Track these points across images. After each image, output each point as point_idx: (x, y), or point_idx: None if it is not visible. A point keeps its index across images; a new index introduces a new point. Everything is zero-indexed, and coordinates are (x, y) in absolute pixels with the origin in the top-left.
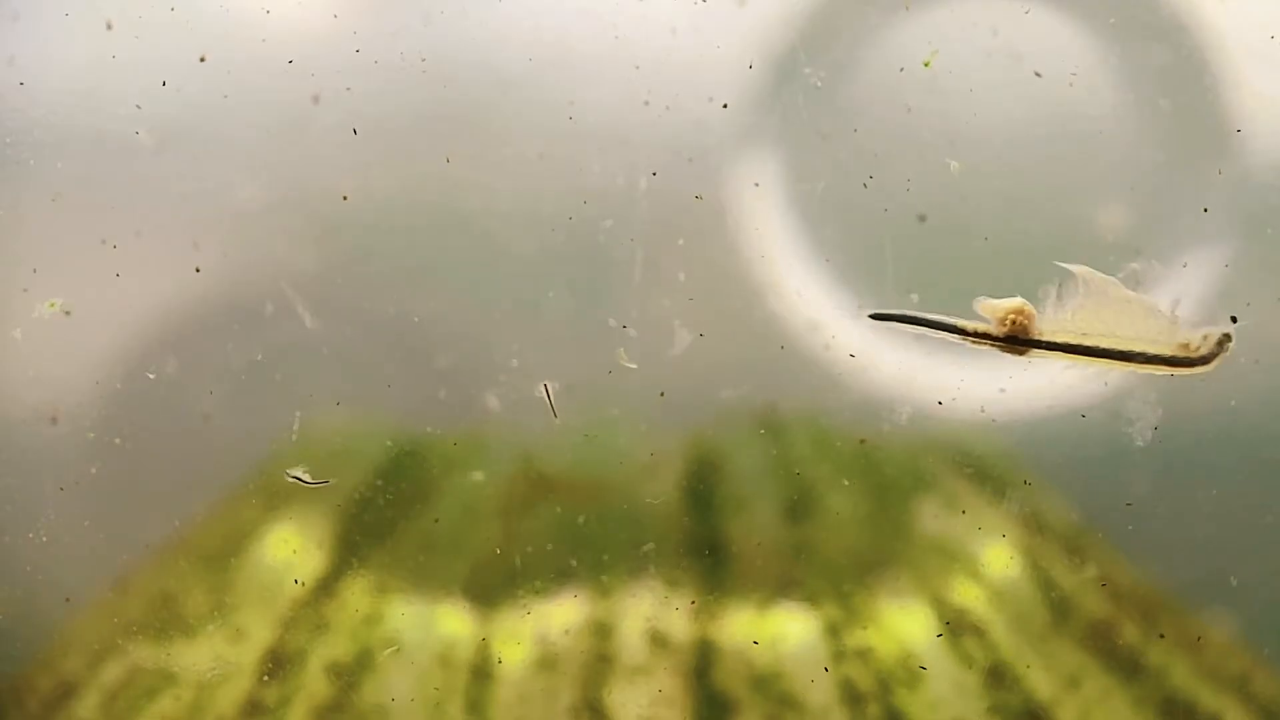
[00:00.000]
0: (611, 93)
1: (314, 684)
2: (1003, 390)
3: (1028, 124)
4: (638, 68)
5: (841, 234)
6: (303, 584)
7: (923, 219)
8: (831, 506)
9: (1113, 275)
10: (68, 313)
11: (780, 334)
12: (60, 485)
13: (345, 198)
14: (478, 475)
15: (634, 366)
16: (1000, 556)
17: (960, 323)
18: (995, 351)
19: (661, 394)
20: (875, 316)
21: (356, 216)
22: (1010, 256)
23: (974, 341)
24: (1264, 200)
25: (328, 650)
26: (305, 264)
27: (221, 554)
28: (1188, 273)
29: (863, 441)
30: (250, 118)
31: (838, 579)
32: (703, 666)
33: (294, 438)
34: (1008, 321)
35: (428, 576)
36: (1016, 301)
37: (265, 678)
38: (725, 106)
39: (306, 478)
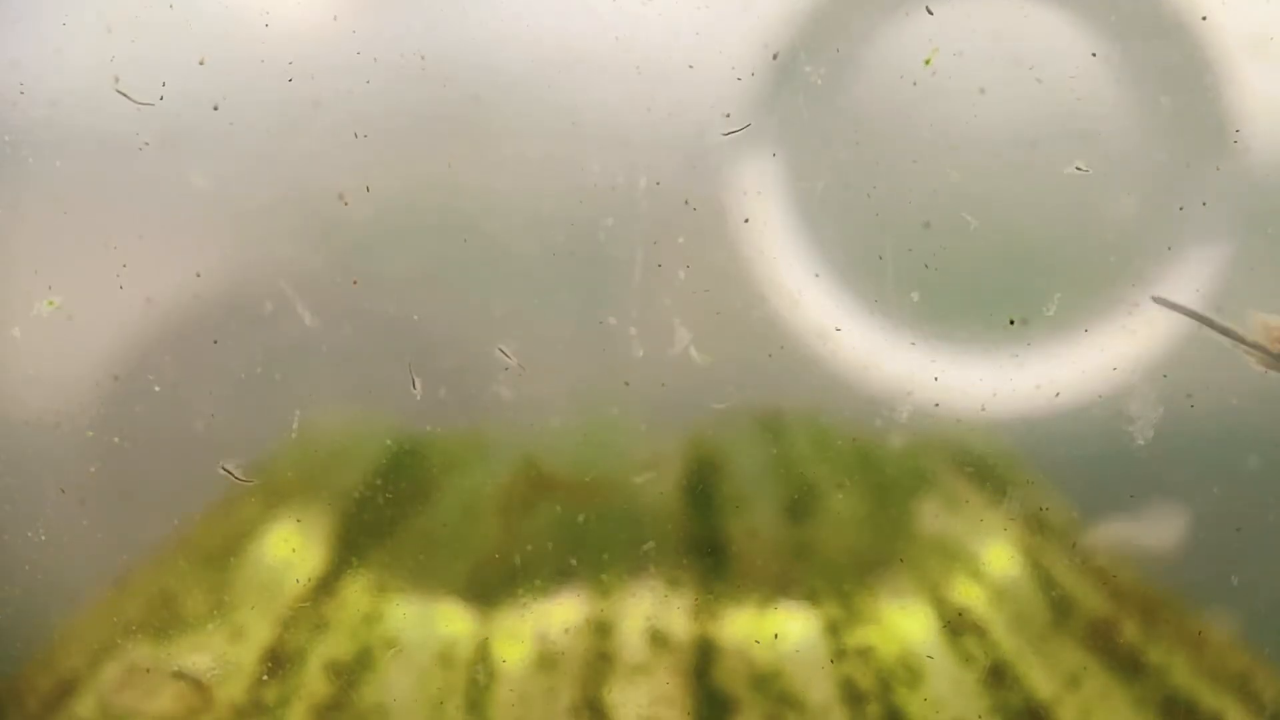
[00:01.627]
0: (612, 93)
1: (314, 683)
2: (1004, 390)
3: (1028, 123)
4: (639, 69)
5: (842, 233)
6: (302, 583)
7: (923, 218)
8: (831, 506)
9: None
10: (68, 314)
11: (780, 333)
12: (60, 485)
13: (344, 199)
14: (502, 475)
15: (640, 354)
16: (1001, 555)
17: (1240, 331)
18: (1254, 360)
19: (663, 384)
20: (1159, 300)
21: (356, 217)
22: (1011, 255)
23: (1246, 350)
24: (1264, 199)
25: (327, 649)
26: (305, 264)
27: (221, 553)
28: (1188, 271)
29: (855, 440)
30: (250, 118)
31: (838, 578)
32: (703, 665)
33: (294, 437)
34: None
35: (428, 576)
36: None
37: (265, 677)
38: (727, 116)
39: (238, 473)
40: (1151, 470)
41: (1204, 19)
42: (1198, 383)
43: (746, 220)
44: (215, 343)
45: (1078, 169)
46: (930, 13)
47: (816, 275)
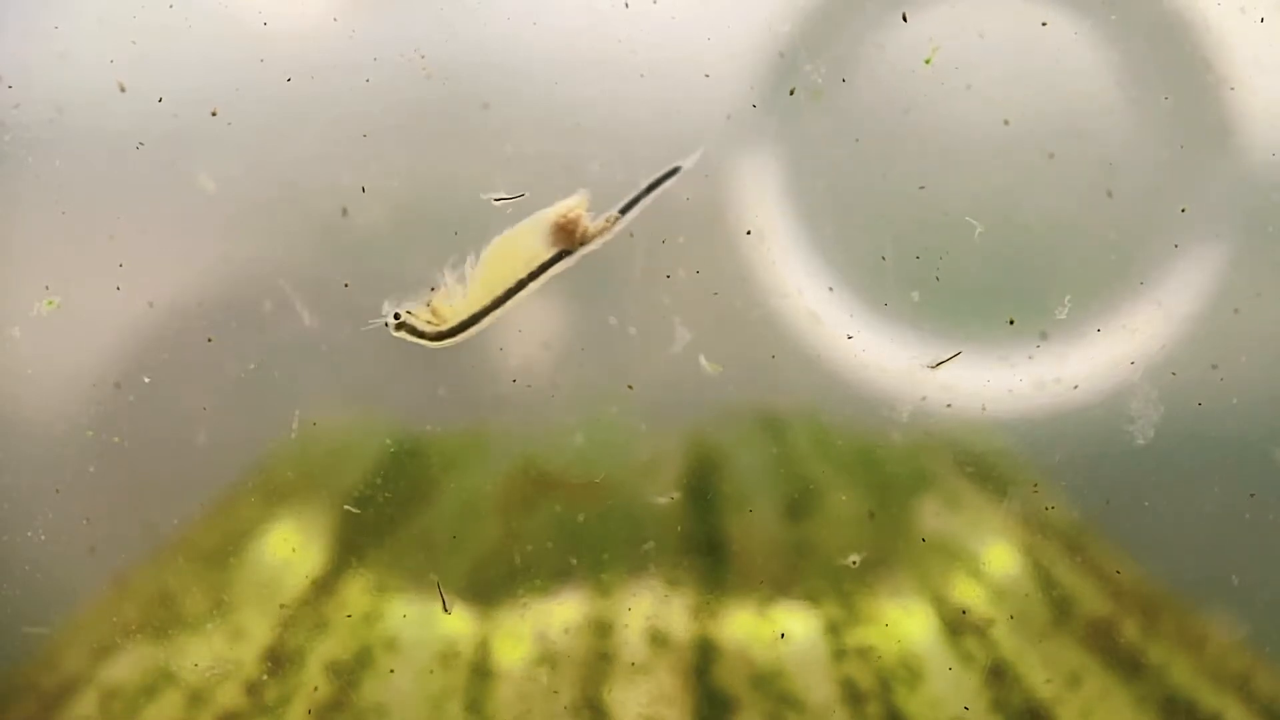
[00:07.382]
0: (612, 91)
1: (313, 683)
2: (1005, 390)
3: (1028, 121)
4: (641, 74)
5: (842, 232)
6: (302, 583)
7: (923, 217)
8: (832, 505)
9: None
10: (67, 312)
11: (781, 332)
12: (59, 485)
13: (344, 202)
14: (502, 475)
15: (641, 354)
16: (1001, 555)
17: None
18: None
19: (663, 384)
20: None
21: (356, 217)
22: (1011, 253)
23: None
24: (1264, 198)
25: (327, 649)
26: (304, 263)
27: (221, 553)
28: (1189, 269)
29: (859, 440)
30: (250, 118)
31: (838, 578)
32: (703, 665)
33: (293, 437)
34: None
35: (427, 575)
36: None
37: (265, 676)
38: (728, 118)
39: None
40: (1152, 470)
41: (1204, 17)
42: (1197, 383)
43: (749, 233)
44: (214, 342)
45: (1084, 180)
46: (906, 19)
47: (817, 273)
